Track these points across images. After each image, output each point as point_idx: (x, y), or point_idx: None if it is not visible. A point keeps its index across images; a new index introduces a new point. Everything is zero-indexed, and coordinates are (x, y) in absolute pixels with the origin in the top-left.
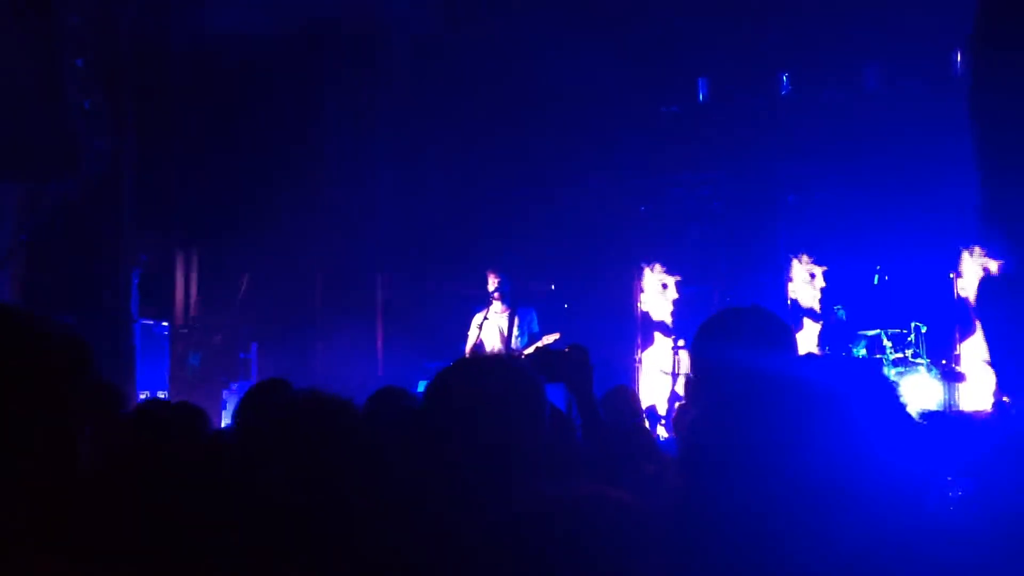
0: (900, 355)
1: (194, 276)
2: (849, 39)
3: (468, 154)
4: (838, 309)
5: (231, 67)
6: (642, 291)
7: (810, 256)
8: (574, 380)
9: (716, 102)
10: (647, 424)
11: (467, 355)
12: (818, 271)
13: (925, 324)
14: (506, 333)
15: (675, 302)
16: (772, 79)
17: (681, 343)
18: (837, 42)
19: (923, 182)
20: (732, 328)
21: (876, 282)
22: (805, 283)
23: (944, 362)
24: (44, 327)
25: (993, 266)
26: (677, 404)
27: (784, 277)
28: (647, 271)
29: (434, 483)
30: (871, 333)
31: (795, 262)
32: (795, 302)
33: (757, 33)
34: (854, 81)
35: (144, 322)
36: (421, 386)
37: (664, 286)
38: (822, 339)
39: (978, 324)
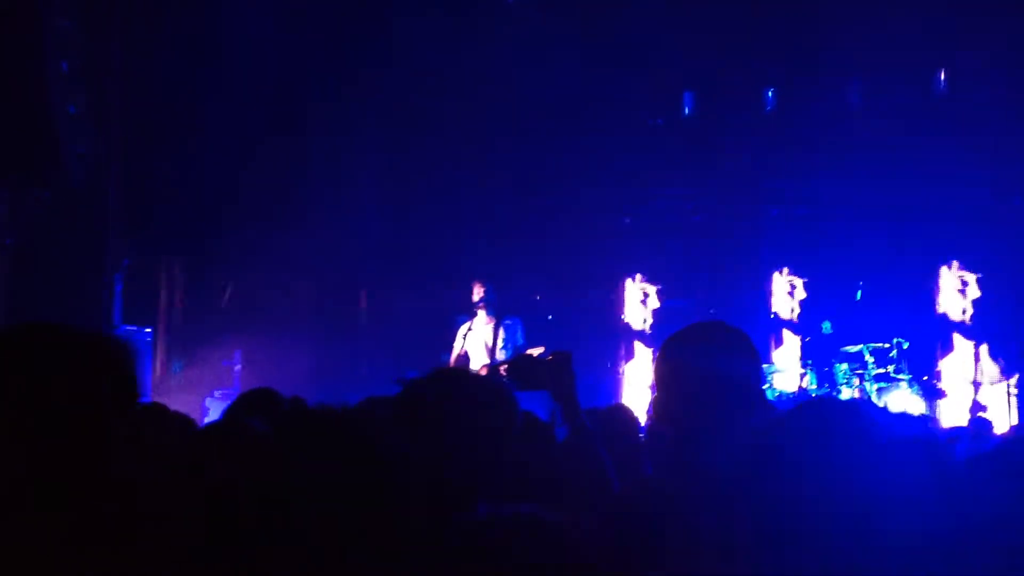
0: (882, 371)
1: (178, 283)
2: (833, 56)
3: (453, 164)
4: (825, 324)
5: (218, 74)
6: (625, 302)
7: (791, 269)
8: (557, 386)
9: (701, 116)
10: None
11: (451, 366)
12: (799, 283)
13: (907, 340)
14: (491, 344)
15: (656, 313)
16: (757, 94)
17: None
18: (821, 59)
19: (905, 198)
20: (707, 339)
21: (858, 297)
22: (786, 296)
23: (925, 378)
24: (72, 332)
25: (971, 279)
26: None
27: (766, 290)
28: (628, 281)
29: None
30: (853, 348)
31: (776, 276)
32: (776, 315)
33: (743, 49)
34: (838, 97)
35: (127, 328)
36: None
37: (645, 295)
38: (804, 353)
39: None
